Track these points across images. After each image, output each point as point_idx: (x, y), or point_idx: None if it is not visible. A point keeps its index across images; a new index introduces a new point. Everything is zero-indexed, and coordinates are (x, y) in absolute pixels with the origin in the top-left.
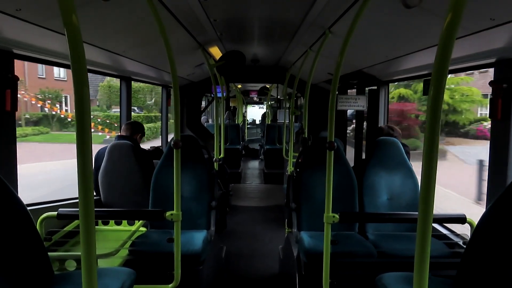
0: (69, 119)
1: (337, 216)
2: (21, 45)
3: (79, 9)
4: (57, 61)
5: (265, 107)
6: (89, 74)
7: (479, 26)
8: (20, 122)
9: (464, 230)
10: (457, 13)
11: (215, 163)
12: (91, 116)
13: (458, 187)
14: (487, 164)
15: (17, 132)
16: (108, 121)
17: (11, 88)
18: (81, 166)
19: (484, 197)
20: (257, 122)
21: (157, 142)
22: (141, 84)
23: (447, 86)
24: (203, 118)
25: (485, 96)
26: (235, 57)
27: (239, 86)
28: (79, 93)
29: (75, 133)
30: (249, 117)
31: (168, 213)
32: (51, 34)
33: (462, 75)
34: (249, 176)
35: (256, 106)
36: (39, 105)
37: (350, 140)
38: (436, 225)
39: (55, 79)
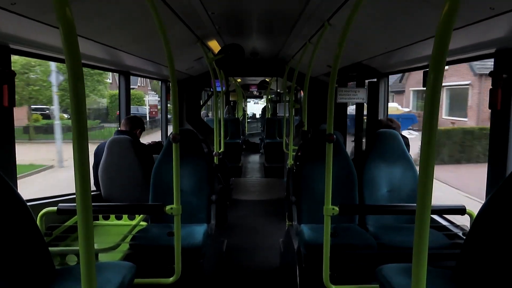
0: None
1: (336, 208)
2: (18, 39)
3: (76, 3)
4: (55, 56)
5: (260, 102)
6: None
7: (478, 16)
8: None
9: (464, 221)
10: (455, 3)
11: (215, 157)
12: None
13: None
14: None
15: None
16: None
17: (8, 84)
18: (78, 161)
19: None
20: (257, 116)
21: None
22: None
23: None
24: (202, 112)
25: None
26: (234, 50)
27: (239, 80)
28: (75, 88)
29: None
30: (249, 111)
31: (168, 207)
32: (47, 28)
33: None
34: (250, 170)
35: (252, 101)
36: None
37: None
38: (435, 217)
39: None
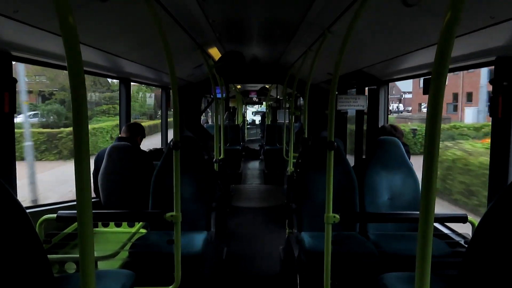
0: None
1: (337, 216)
2: (20, 47)
3: (77, 10)
4: (56, 63)
5: (252, 108)
6: None
7: (479, 24)
8: None
9: (466, 229)
10: (456, 12)
11: (215, 164)
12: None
13: None
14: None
15: None
16: None
17: (9, 91)
18: (78, 168)
19: None
20: (257, 122)
21: None
22: None
23: None
24: (202, 119)
25: None
26: (234, 57)
27: (239, 86)
28: (76, 95)
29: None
30: (248, 118)
31: (168, 215)
32: (49, 36)
33: None
34: (250, 176)
35: (249, 109)
36: None
37: None
38: (437, 225)
39: None
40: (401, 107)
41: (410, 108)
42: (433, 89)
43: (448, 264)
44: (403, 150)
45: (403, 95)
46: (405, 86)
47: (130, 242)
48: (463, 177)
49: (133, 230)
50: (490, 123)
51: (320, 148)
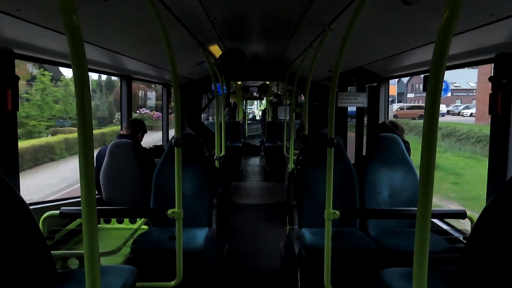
0: None
1: (337, 212)
2: (22, 45)
3: (79, 9)
4: (58, 61)
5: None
6: None
7: (478, 21)
8: None
9: (465, 225)
10: (454, 10)
11: (216, 161)
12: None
13: None
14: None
15: None
16: None
17: (12, 88)
18: (83, 165)
19: None
20: (257, 117)
21: None
22: None
23: None
24: (203, 116)
25: None
26: (235, 55)
27: (239, 82)
28: (80, 93)
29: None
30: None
31: (169, 211)
32: (52, 34)
33: None
34: (250, 173)
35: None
36: None
37: None
38: (436, 221)
39: None
40: (443, 108)
41: (464, 109)
42: (431, 86)
43: (447, 260)
44: (403, 147)
45: None
46: None
47: (132, 238)
48: None
49: (135, 226)
50: None
51: (320, 145)
